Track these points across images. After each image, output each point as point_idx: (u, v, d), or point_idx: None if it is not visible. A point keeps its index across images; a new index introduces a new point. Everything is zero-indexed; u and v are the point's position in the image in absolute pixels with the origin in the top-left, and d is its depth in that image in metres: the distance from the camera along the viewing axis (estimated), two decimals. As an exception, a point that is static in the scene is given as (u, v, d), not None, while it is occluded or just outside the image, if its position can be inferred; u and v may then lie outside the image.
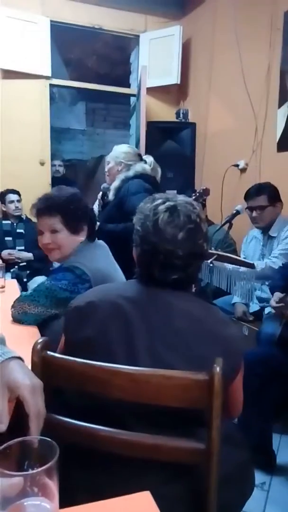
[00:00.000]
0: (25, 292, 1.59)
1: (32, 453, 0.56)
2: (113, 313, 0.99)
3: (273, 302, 1.92)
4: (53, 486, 0.53)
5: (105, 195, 2.75)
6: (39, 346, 0.94)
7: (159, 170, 2.63)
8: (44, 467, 0.52)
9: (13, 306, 1.54)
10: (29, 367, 0.89)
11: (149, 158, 2.61)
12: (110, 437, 0.90)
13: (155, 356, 0.93)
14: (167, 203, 1.02)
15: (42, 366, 0.93)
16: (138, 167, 2.52)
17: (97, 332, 0.98)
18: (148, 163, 2.58)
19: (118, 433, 0.90)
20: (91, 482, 0.93)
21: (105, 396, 0.90)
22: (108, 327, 0.98)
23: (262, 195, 2.49)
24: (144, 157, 2.63)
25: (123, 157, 2.53)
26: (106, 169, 2.66)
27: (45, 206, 1.55)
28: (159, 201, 1.04)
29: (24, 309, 1.50)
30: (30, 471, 0.54)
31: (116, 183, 2.50)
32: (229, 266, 2.28)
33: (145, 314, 0.98)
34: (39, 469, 0.52)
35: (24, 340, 1.18)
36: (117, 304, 0.99)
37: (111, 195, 2.54)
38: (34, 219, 3.77)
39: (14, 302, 1.55)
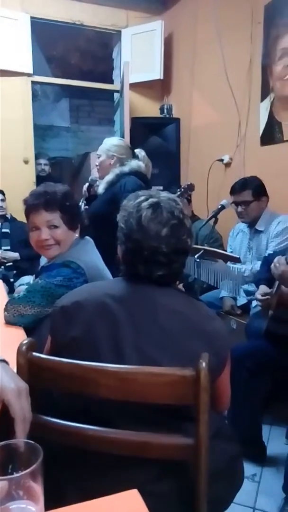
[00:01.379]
0: (17, 294, 1.55)
1: (16, 456, 0.56)
2: (99, 312, 0.98)
3: (258, 295, 1.93)
4: (38, 488, 0.53)
5: (91, 187, 2.71)
6: (24, 347, 0.93)
7: (150, 166, 2.62)
8: (28, 470, 0.52)
9: (6, 310, 1.50)
10: (15, 369, 0.88)
11: (142, 153, 2.59)
12: (98, 436, 0.90)
13: (142, 354, 0.93)
14: (150, 200, 1.02)
15: (28, 367, 0.93)
16: (134, 163, 2.50)
17: (83, 331, 0.97)
18: (141, 158, 2.55)
19: (106, 431, 0.89)
20: (79, 481, 0.92)
21: (93, 395, 0.90)
22: (94, 326, 0.97)
23: (247, 190, 2.51)
24: (136, 151, 2.60)
25: (115, 150, 2.50)
26: (96, 163, 2.62)
27: (44, 202, 1.52)
28: (142, 198, 1.04)
29: (20, 311, 1.47)
30: (15, 475, 0.53)
31: (110, 177, 2.47)
32: (216, 261, 2.30)
33: (131, 311, 0.98)
34: (23, 473, 0.52)
35: (9, 342, 1.16)
36: (103, 303, 0.99)
37: (101, 188, 2.51)
38: (19, 218, 3.74)
39: (6, 305, 1.51)
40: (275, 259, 1.75)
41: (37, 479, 0.53)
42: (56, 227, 1.54)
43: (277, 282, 1.80)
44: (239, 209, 2.53)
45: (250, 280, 2.46)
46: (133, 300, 1.00)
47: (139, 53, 4.12)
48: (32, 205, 1.54)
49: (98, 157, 2.58)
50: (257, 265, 2.51)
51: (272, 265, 1.75)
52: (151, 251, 0.98)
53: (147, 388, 0.88)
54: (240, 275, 2.33)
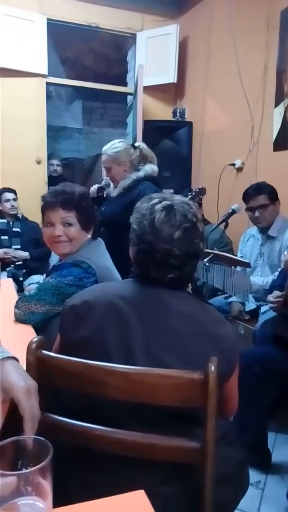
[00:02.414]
0: (28, 292, 1.57)
1: (26, 452, 0.57)
2: (109, 313, 0.99)
3: (270, 298, 1.92)
4: (46, 485, 0.53)
5: (102, 190, 2.72)
6: (34, 345, 0.94)
7: (154, 156, 2.61)
8: (37, 467, 0.52)
9: (16, 307, 1.52)
10: (24, 367, 0.89)
11: (143, 145, 2.60)
12: (105, 436, 0.90)
13: (151, 356, 0.93)
14: (164, 203, 1.03)
15: (37, 365, 0.93)
16: (148, 168, 2.50)
17: (93, 331, 0.98)
18: (144, 152, 2.54)
19: (114, 432, 0.90)
20: (86, 481, 0.93)
21: (101, 395, 0.90)
22: (104, 327, 0.97)
23: (262, 194, 2.50)
24: (137, 144, 2.62)
25: (123, 156, 2.50)
26: (107, 176, 2.59)
27: (62, 200, 1.55)
28: (156, 200, 1.04)
29: (31, 309, 1.49)
30: (24, 471, 0.54)
31: (126, 182, 2.46)
32: (225, 265, 2.29)
33: (141, 313, 0.98)
34: (33, 469, 0.52)
35: (19, 339, 1.17)
36: (113, 304, 0.99)
37: (116, 192, 2.52)
38: (31, 218, 3.77)
39: (17, 302, 1.53)
40: (285, 250, 1.77)
41: (46, 475, 0.53)
42: (70, 225, 1.56)
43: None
44: (256, 213, 2.51)
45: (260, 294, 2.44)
46: (144, 302, 1.00)
47: (153, 57, 4.14)
48: (49, 202, 1.57)
49: (108, 170, 2.54)
50: (268, 272, 2.50)
51: (282, 256, 1.78)
52: (163, 254, 0.99)
53: (155, 390, 0.88)
54: (248, 280, 2.32)
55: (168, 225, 0.99)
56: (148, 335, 0.95)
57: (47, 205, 1.57)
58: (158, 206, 1.02)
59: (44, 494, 0.54)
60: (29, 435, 0.66)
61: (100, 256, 1.60)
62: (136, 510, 0.65)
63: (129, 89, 4.54)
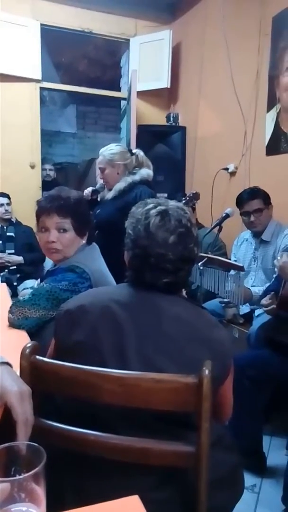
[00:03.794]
0: (22, 297, 1.56)
1: (19, 458, 0.56)
2: (103, 317, 0.99)
3: (263, 301, 1.93)
4: (40, 491, 0.53)
5: (97, 193, 2.72)
6: (27, 350, 0.94)
7: (150, 164, 2.63)
8: (31, 473, 0.52)
9: (10, 312, 1.51)
10: (18, 372, 0.88)
11: (140, 153, 2.60)
12: (99, 441, 0.89)
13: (145, 360, 0.93)
14: (159, 208, 1.03)
15: (31, 370, 0.93)
16: (144, 172, 2.51)
17: (87, 336, 0.98)
18: (140, 158, 2.56)
19: (108, 437, 0.89)
20: (80, 486, 0.92)
21: (95, 400, 0.90)
22: (98, 331, 0.97)
23: (257, 198, 2.51)
24: (135, 151, 2.62)
25: (118, 159, 2.51)
26: (101, 176, 2.62)
27: (57, 206, 1.53)
28: (151, 205, 1.05)
29: (25, 314, 1.48)
30: (17, 477, 0.53)
31: (121, 185, 2.47)
32: (219, 269, 2.30)
33: (136, 318, 0.98)
34: (26, 475, 0.52)
35: (13, 345, 1.17)
36: (108, 308, 1.00)
37: (110, 195, 2.52)
38: (24, 222, 3.75)
39: (11, 307, 1.52)
40: (279, 254, 1.78)
41: (39, 482, 0.53)
42: (65, 231, 1.55)
43: (282, 284, 1.81)
44: (252, 218, 2.52)
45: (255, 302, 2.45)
46: (138, 306, 1.00)
47: (147, 62, 4.16)
48: (45, 207, 1.55)
49: (102, 171, 2.57)
50: (262, 276, 2.51)
51: (275, 260, 1.79)
52: (158, 258, 0.99)
53: (149, 394, 0.88)
54: (242, 284, 2.33)
55: (163, 230, 1.00)
56: (142, 340, 0.95)
57: (42, 210, 1.56)
58: (153, 211, 1.02)
59: (37, 500, 0.53)
60: (22, 440, 0.66)
61: (94, 261, 1.60)
62: (130, 515, 0.65)
63: (122, 94, 4.56)
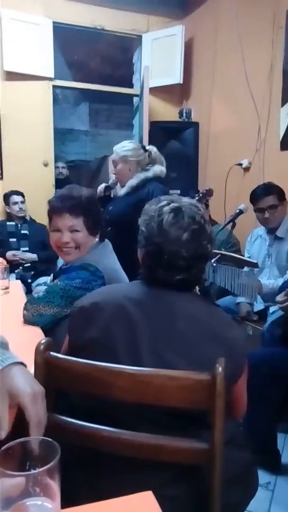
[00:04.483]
0: (37, 294, 1.58)
1: (34, 453, 0.57)
2: (117, 314, 0.99)
3: (278, 298, 1.90)
4: (54, 486, 0.54)
5: (110, 189, 2.73)
6: (42, 346, 0.95)
7: (163, 160, 2.62)
8: (45, 467, 0.53)
9: (25, 309, 1.53)
10: (32, 368, 0.89)
11: (153, 149, 2.60)
12: (113, 437, 0.90)
13: (159, 358, 0.94)
14: (172, 205, 1.03)
15: (45, 367, 0.94)
16: (157, 169, 2.51)
17: (101, 333, 0.98)
18: (153, 155, 2.56)
19: (121, 433, 0.90)
20: (93, 482, 0.93)
21: (108, 397, 0.90)
22: (112, 328, 0.98)
23: (271, 194, 2.48)
24: (148, 147, 2.62)
25: (131, 155, 2.51)
26: (114, 171, 2.63)
27: (69, 206, 1.54)
28: (164, 202, 1.05)
29: (39, 311, 1.50)
30: (32, 471, 0.54)
31: (134, 182, 2.48)
32: (233, 265, 2.28)
33: (149, 315, 0.98)
34: (41, 469, 0.53)
35: (27, 341, 1.18)
36: (122, 305, 1.00)
37: (123, 191, 2.53)
38: (38, 220, 3.79)
39: (26, 304, 1.54)
40: None
41: (54, 476, 0.53)
42: (77, 231, 1.56)
43: None
44: (266, 214, 2.49)
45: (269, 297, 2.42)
46: (151, 304, 1.00)
47: (159, 58, 4.14)
48: (56, 207, 1.56)
49: (115, 167, 2.58)
50: (276, 272, 2.48)
51: None
52: (171, 255, 0.99)
53: (163, 391, 0.88)
54: (257, 280, 2.31)
55: (176, 227, 0.99)
56: (156, 337, 0.95)
57: (54, 210, 1.57)
58: (166, 208, 1.02)
59: (52, 494, 0.54)
60: None
61: (107, 258, 1.61)
62: (143, 511, 0.65)
63: (135, 90, 4.55)
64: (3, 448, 0.55)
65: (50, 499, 0.54)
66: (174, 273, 1.01)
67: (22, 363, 0.76)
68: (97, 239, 1.63)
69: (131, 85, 4.70)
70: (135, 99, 4.61)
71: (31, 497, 0.53)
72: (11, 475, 0.52)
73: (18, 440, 0.57)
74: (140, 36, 4.25)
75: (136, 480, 0.82)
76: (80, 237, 1.56)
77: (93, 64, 5.97)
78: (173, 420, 0.93)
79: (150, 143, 3.56)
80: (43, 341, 0.96)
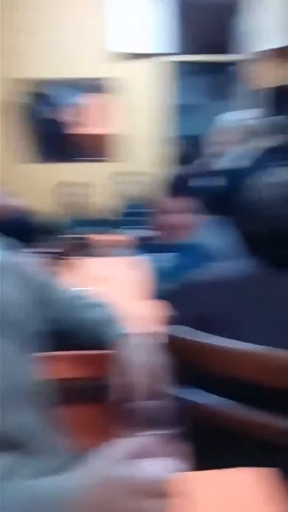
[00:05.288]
0: (158, 270, 1.64)
1: (162, 415, 0.60)
2: (224, 292, 0.98)
3: None
4: (179, 448, 0.56)
5: (213, 163, 2.67)
6: (168, 323, 0.97)
7: (273, 131, 2.49)
8: (172, 430, 0.55)
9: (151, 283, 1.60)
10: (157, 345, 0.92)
11: (263, 119, 2.47)
12: (246, 420, 0.88)
13: (263, 337, 0.89)
14: (279, 178, 0.98)
15: (170, 343, 0.92)
16: (264, 140, 2.40)
17: (206, 310, 0.98)
18: (263, 124, 2.45)
19: (255, 415, 0.88)
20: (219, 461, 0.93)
21: (237, 377, 0.88)
22: (223, 306, 0.96)
23: None
24: (255, 118, 2.50)
25: (237, 126, 2.43)
26: (220, 141, 2.57)
27: (183, 189, 1.61)
28: (270, 175, 0.99)
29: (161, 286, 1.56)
30: (159, 432, 0.57)
31: (239, 153, 2.40)
32: None
33: (257, 293, 0.95)
34: (170, 431, 0.55)
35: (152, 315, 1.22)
36: (228, 283, 0.99)
37: (228, 164, 2.46)
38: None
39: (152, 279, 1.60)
40: None
41: (179, 439, 0.56)
42: (186, 211, 1.59)
43: None
44: None
45: None
46: (256, 282, 0.97)
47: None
48: (169, 188, 1.62)
49: (222, 136, 2.52)
50: None
51: None
52: (278, 231, 0.93)
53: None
54: None
55: (283, 201, 0.93)
56: (263, 316, 0.92)
57: (167, 191, 1.62)
58: (273, 181, 0.96)
59: (178, 457, 0.57)
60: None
61: (214, 237, 1.60)
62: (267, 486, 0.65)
63: (248, 56, 4.26)
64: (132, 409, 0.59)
65: (175, 460, 0.57)
66: (279, 249, 0.95)
67: (145, 336, 0.78)
68: (203, 218, 1.65)
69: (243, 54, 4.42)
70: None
71: (156, 457, 0.56)
72: (141, 435, 0.56)
73: (148, 402, 0.60)
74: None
75: (264, 461, 0.80)
76: (191, 218, 1.60)
77: (204, 35, 5.74)
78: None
79: (263, 112, 3.38)
80: (166, 316, 0.98)
